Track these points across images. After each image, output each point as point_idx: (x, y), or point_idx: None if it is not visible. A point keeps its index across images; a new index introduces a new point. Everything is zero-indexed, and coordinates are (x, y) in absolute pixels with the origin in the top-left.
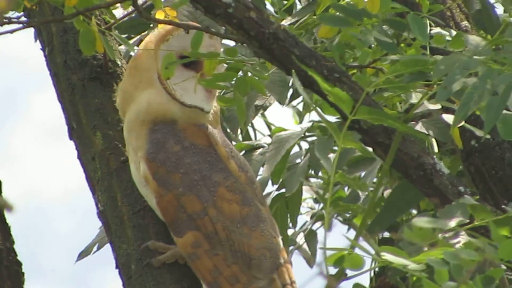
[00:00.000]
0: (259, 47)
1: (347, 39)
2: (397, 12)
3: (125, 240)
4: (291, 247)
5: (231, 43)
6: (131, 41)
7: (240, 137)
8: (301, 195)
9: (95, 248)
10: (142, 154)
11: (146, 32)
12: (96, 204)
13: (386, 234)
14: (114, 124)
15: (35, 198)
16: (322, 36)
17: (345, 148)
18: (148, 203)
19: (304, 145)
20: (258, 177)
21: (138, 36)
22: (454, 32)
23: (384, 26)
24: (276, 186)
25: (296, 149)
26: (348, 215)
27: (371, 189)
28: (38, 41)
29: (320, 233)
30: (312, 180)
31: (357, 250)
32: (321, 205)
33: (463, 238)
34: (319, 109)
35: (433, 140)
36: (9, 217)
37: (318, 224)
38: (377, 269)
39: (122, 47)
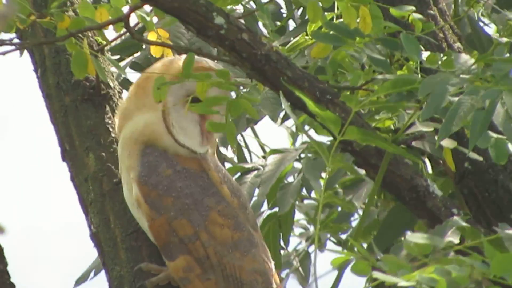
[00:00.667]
0: (251, 68)
1: (340, 58)
2: (390, 32)
3: (118, 262)
4: (286, 270)
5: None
6: (123, 63)
7: (235, 159)
8: (294, 215)
9: (92, 274)
10: (134, 176)
11: (138, 53)
12: (89, 226)
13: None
14: (107, 145)
15: (30, 221)
16: (315, 55)
17: (338, 169)
18: (140, 225)
19: (298, 165)
20: (253, 199)
21: (130, 58)
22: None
23: (377, 45)
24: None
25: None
26: (342, 236)
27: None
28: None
29: (313, 254)
30: (306, 201)
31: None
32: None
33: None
34: (306, 131)
35: (427, 161)
36: (2, 239)
37: (312, 245)
38: None
39: (114, 68)
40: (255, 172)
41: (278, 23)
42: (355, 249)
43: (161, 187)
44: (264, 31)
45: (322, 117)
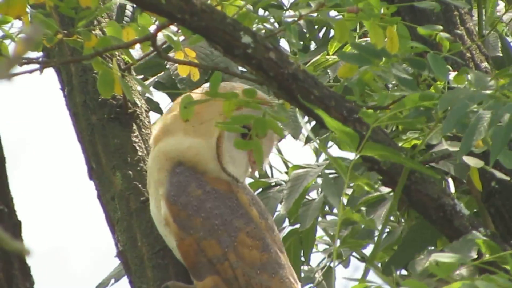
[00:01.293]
0: (278, 87)
1: (367, 78)
2: (417, 52)
3: (145, 280)
4: (309, 285)
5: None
6: (147, 82)
7: (256, 173)
8: (315, 232)
9: (112, 281)
10: (163, 194)
11: (162, 73)
12: (116, 244)
13: (404, 272)
14: (133, 164)
15: (54, 238)
16: (342, 75)
17: (361, 187)
18: (166, 242)
19: (320, 181)
20: (275, 214)
21: (154, 77)
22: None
23: (403, 65)
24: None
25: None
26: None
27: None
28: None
29: (337, 270)
30: (329, 217)
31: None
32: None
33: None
34: (328, 147)
35: (450, 180)
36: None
37: (336, 261)
38: None
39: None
40: (278, 187)
41: (301, 42)
42: (378, 264)
43: (190, 207)
44: (287, 50)
45: (340, 132)
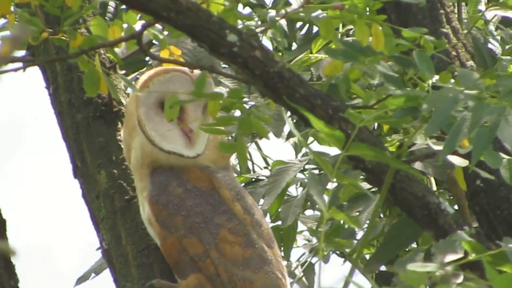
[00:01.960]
0: (264, 86)
1: (354, 75)
2: (403, 51)
3: (129, 278)
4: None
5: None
6: (129, 78)
7: (238, 168)
8: (296, 229)
9: (92, 275)
10: (146, 196)
11: (145, 68)
12: (100, 243)
13: (383, 268)
14: (118, 162)
15: (39, 236)
16: (327, 73)
17: (344, 184)
18: (157, 243)
19: (300, 175)
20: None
21: (136, 73)
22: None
23: (389, 63)
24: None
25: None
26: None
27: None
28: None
29: (318, 266)
30: (309, 212)
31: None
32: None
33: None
34: (309, 144)
35: (432, 179)
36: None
37: (316, 257)
38: None
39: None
40: (259, 182)
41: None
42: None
43: (171, 206)
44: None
45: (326, 132)
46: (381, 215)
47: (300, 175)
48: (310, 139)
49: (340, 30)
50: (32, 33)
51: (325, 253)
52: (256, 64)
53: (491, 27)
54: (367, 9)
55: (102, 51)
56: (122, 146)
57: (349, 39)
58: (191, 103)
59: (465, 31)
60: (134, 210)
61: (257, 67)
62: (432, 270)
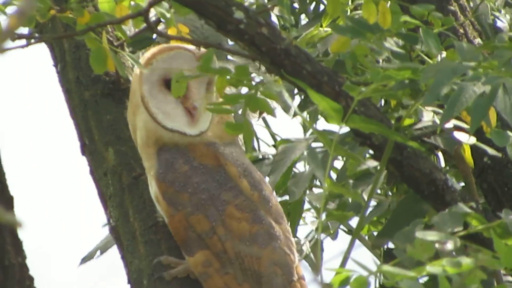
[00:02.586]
0: (270, 63)
1: (361, 51)
2: (410, 28)
3: (137, 255)
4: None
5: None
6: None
7: (243, 147)
8: (303, 204)
9: (98, 253)
10: (153, 174)
11: (151, 46)
12: (108, 220)
13: (391, 246)
14: (126, 140)
15: (45, 213)
16: (334, 50)
17: (350, 162)
18: (164, 220)
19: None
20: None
21: (143, 51)
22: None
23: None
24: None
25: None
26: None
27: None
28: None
29: (326, 242)
30: (316, 190)
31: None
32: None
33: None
34: (315, 121)
35: (441, 156)
36: (20, 233)
37: (323, 234)
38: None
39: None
40: (264, 161)
41: (292, 17)
42: (366, 237)
43: (177, 183)
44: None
45: (324, 105)
46: (389, 193)
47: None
48: (319, 116)
49: (350, 4)
50: (40, 10)
51: (332, 231)
52: (263, 41)
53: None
54: None
55: (109, 29)
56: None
57: (358, 12)
58: (194, 80)
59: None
60: (141, 187)
61: (264, 44)
62: (439, 239)
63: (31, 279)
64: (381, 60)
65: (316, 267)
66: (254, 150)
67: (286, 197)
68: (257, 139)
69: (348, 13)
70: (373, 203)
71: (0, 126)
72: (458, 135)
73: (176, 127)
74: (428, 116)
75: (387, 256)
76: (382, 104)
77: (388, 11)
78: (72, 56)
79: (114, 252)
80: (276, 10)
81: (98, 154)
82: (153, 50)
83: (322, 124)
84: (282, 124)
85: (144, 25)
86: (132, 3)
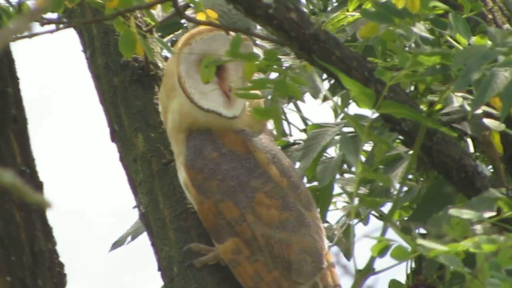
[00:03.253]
0: (299, 48)
1: (389, 37)
2: (439, 13)
3: (167, 242)
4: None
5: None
6: (164, 40)
7: (274, 132)
8: (333, 190)
9: (129, 239)
10: (182, 161)
11: (180, 31)
12: (137, 207)
13: (422, 231)
14: (156, 126)
15: (76, 200)
16: (363, 35)
17: (380, 147)
18: (194, 207)
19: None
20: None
21: (170, 36)
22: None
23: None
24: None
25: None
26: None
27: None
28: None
29: (357, 228)
30: (346, 175)
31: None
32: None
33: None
34: (346, 106)
35: (470, 142)
36: (51, 219)
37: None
38: (413, 266)
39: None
40: (296, 146)
41: (321, 1)
42: (397, 222)
43: (206, 170)
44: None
45: (356, 90)
46: (421, 179)
47: (338, 138)
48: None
49: None
50: None
51: (363, 217)
52: (292, 26)
53: None
54: None
55: (138, 15)
56: (159, 109)
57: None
58: (232, 63)
59: None
60: (171, 174)
61: (293, 29)
62: (476, 218)
63: (61, 265)
64: (409, 45)
65: (348, 252)
66: (285, 134)
67: (315, 183)
68: (288, 123)
69: None
70: (403, 188)
71: (31, 112)
72: (487, 121)
73: (213, 107)
74: (458, 101)
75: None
76: (411, 90)
77: None
78: (101, 42)
79: (144, 238)
80: None
81: (128, 141)
82: (192, 30)
83: (352, 109)
84: (312, 110)
85: (173, 10)
86: None
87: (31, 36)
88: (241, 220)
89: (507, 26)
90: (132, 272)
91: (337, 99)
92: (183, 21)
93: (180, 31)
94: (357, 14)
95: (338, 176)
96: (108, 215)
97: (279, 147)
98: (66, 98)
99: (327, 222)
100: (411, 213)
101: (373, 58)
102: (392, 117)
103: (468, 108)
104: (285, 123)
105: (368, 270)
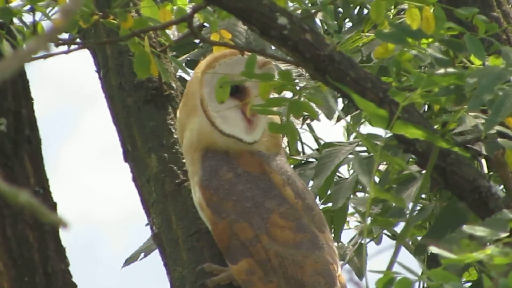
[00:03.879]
0: (314, 69)
1: (404, 59)
2: (453, 34)
3: (180, 263)
4: (341, 262)
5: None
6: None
7: (287, 150)
8: (347, 210)
9: (141, 255)
10: (197, 181)
11: (195, 51)
12: (151, 227)
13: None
14: (169, 146)
15: (89, 221)
16: (378, 56)
17: (393, 167)
18: (207, 227)
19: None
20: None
21: (185, 56)
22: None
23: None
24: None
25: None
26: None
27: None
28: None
29: (369, 247)
30: (359, 194)
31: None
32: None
33: None
34: (359, 126)
35: (484, 162)
36: (64, 240)
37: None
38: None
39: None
40: (308, 165)
41: (336, 22)
42: (410, 242)
43: (221, 191)
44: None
45: (369, 111)
46: (434, 198)
47: (351, 157)
48: (363, 120)
49: (392, 11)
50: (82, 15)
51: (375, 236)
52: (307, 47)
53: None
54: None
55: (152, 35)
56: (176, 127)
57: (400, 18)
58: (255, 87)
59: None
60: (184, 194)
61: (308, 50)
62: (489, 236)
63: (74, 285)
64: (424, 66)
65: (360, 272)
66: (299, 153)
67: (329, 204)
68: (302, 143)
69: (391, 18)
70: (417, 207)
71: (44, 132)
72: (502, 141)
73: (233, 132)
74: (472, 122)
75: (430, 261)
76: (425, 110)
77: (431, 17)
78: (115, 62)
79: (156, 256)
80: (319, 15)
81: (141, 161)
82: (216, 53)
83: (364, 129)
84: (325, 130)
85: (188, 30)
86: (175, 7)
87: (46, 56)
88: (255, 241)
89: None
90: None
91: (350, 119)
92: (197, 40)
93: (195, 51)
94: (372, 35)
95: (351, 195)
96: (122, 234)
97: (293, 168)
98: (82, 118)
99: (340, 241)
100: (425, 232)
101: (387, 78)
102: (406, 137)
103: (482, 128)
104: (299, 143)
105: None
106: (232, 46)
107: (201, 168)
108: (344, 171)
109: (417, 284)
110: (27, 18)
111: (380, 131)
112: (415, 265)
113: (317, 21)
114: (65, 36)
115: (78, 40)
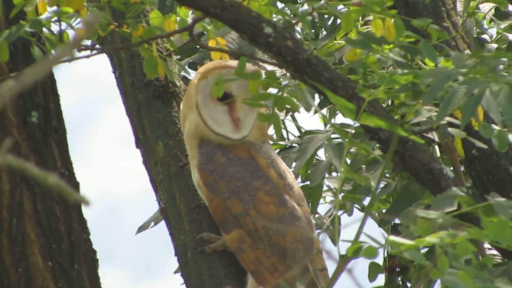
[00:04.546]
0: (294, 70)
1: (369, 61)
2: (411, 40)
3: (182, 232)
4: (318, 230)
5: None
6: (182, 62)
7: (274, 136)
8: (323, 187)
9: (152, 224)
10: (195, 164)
11: (196, 55)
12: (158, 202)
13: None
14: (173, 135)
15: (108, 196)
16: (348, 59)
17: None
18: (205, 203)
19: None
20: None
21: (187, 59)
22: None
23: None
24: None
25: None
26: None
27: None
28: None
29: (343, 218)
30: (335, 173)
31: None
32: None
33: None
34: (333, 117)
35: (437, 148)
36: (86, 213)
37: (340, 210)
38: (389, 250)
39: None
40: (292, 149)
41: (313, 31)
42: (376, 213)
43: (216, 172)
44: (299, 36)
45: (340, 104)
46: (396, 177)
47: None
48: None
49: (360, 21)
50: (101, 24)
51: (347, 208)
52: (288, 52)
53: (484, 20)
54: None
55: (159, 41)
56: (180, 117)
57: (367, 27)
58: (241, 95)
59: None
60: (186, 175)
61: (289, 55)
62: (437, 217)
63: (94, 252)
64: (386, 67)
65: (334, 239)
66: (284, 139)
67: (308, 182)
68: (287, 131)
69: (359, 27)
70: (381, 184)
71: (69, 124)
72: (451, 130)
73: (223, 132)
74: (426, 114)
75: (393, 230)
76: (388, 104)
77: (392, 26)
78: (128, 64)
79: (163, 227)
80: (299, 25)
81: (150, 147)
82: (209, 65)
83: (338, 119)
84: (306, 120)
85: (189, 37)
86: (178, 18)
87: (70, 60)
88: (244, 214)
89: (467, 51)
90: (155, 256)
91: (326, 111)
92: (198, 46)
93: (195, 54)
94: (343, 42)
95: (327, 175)
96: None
97: (278, 151)
98: (100, 111)
99: (317, 213)
100: (388, 206)
101: (356, 77)
102: (371, 127)
103: (435, 119)
104: (284, 131)
105: (350, 256)
106: (226, 51)
107: (199, 153)
108: (322, 154)
109: (382, 250)
110: (55, 27)
111: (350, 121)
112: (381, 234)
113: (298, 29)
114: (87, 42)
115: (97, 46)
